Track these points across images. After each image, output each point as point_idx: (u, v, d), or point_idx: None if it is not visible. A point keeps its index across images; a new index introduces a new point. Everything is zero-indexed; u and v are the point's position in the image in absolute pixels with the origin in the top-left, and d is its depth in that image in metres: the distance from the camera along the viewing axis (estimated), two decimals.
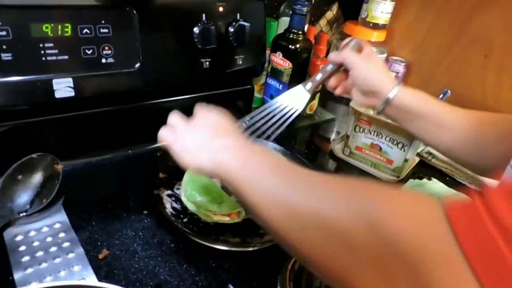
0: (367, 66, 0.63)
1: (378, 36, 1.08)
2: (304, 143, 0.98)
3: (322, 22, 1.18)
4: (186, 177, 0.68)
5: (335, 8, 1.18)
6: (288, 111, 0.67)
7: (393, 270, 0.27)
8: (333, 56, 0.66)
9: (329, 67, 0.67)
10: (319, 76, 0.68)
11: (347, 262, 0.29)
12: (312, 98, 0.99)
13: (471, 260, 0.24)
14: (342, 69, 0.67)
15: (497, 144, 0.56)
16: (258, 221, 0.39)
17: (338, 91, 0.69)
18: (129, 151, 0.78)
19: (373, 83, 0.63)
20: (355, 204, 0.31)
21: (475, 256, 0.24)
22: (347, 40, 0.68)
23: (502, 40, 0.93)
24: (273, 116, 0.66)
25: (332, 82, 0.68)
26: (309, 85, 0.68)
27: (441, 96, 0.80)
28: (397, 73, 1.10)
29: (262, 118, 0.66)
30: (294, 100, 0.68)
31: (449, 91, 0.81)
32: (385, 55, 1.11)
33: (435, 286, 0.25)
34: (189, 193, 0.65)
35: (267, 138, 0.66)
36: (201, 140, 0.48)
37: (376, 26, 1.07)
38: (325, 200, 0.33)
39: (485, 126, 0.59)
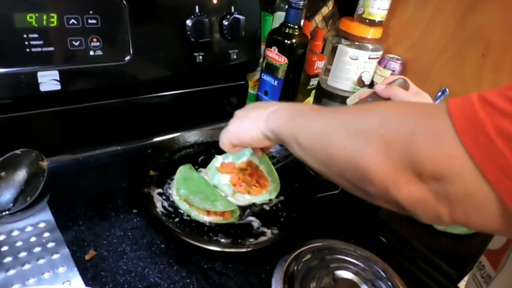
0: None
1: (374, 33, 1.06)
2: None
3: (318, 18, 1.16)
4: (178, 175, 0.66)
5: (330, 4, 1.17)
6: None
7: (394, 150, 0.33)
8: (380, 89, 0.64)
9: (370, 100, 0.65)
10: None
11: (361, 150, 0.36)
12: (307, 95, 0.98)
13: (457, 128, 0.29)
14: None
15: None
16: (304, 154, 0.46)
17: None
18: (118, 148, 0.75)
19: None
20: (375, 111, 0.39)
21: (462, 124, 0.29)
22: (391, 78, 0.67)
23: (500, 39, 0.92)
24: None
25: None
26: None
27: (439, 94, 0.78)
28: (393, 71, 1.09)
29: None
30: None
31: (447, 90, 0.79)
32: (381, 53, 1.10)
33: (422, 152, 0.31)
34: (181, 192, 0.62)
35: None
36: (251, 116, 0.56)
37: (372, 23, 1.05)
38: (355, 116, 0.41)
39: None
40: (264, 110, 0.55)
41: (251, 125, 0.55)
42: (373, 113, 0.39)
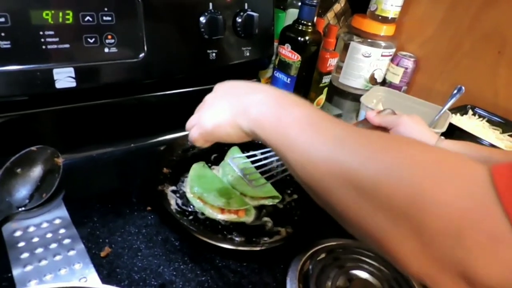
0: (409, 121, 0.63)
1: (387, 30, 1.05)
2: None
3: (330, 15, 1.15)
4: (191, 173, 0.66)
5: (343, 0, 1.15)
6: None
7: (434, 242, 0.26)
8: (371, 117, 0.66)
9: (360, 126, 0.66)
10: None
11: (380, 219, 0.29)
12: (319, 93, 0.97)
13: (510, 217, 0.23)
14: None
15: None
16: (296, 178, 0.37)
17: None
18: (131, 145, 0.75)
19: (416, 137, 0.62)
20: (398, 163, 0.30)
21: None
22: (377, 110, 0.69)
23: None
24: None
25: None
26: None
27: (455, 92, 0.77)
28: (406, 68, 1.08)
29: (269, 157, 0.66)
30: None
31: (463, 88, 0.78)
32: (393, 50, 1.08)
33: (476, 259, 0.25)
34: (195, 190, 0.62)
35: None
36: (230, 102, 0.44)
37: (385, 20, 1.04)
38: (369, 162, 0.31)
39: None
40: (242, 98, 0.43)
41: (227, 119, 0.44)
42: (395, 165, 0.29)
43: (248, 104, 0.42)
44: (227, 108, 0.44)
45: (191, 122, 0.50)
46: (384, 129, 0.65)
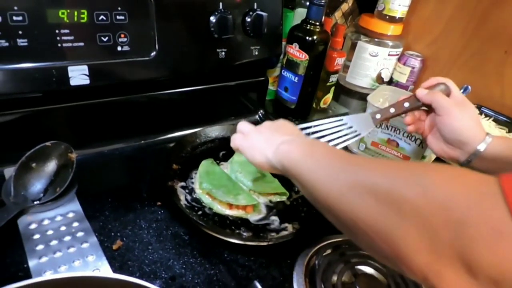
0: (461, 115, 0.58)
1: (394, 29, 1.05)
2: None
3: (337, 14, 1.15)
4: (200, 169, 0.68)
5: (350, 0, 1.16)
6: (349, 132, 0.63)
7: (438, 234, 0.28)
8: (421, 95, 0.61)
9: (407, 104, 0.62)
10: (392, 110, 0.63)
11: (394, 224, 0.31)
12: (327, 92, 0.98)
13: None
14: (422, 107, 0.63)
15: None
16: (316, 203, 0.42)
17: (411, 129, 0.65)
18: (142, 142, 0.77)
19: (464, 133, 0.58)
20: (410, 173, 0.33)
21: None
22: (432, 81, 0.64)
23: None
24: (333, 132, 0.63)
25: (408, 119, 0.64)
26: (378, 116, 0.63)
27: (461, 91, 0.77)
28: (413, 68, 1.08)
29: (322, 130, 0.63)
30: (358, 124, 0.64)
31: (469, 87, 0.79)
32: (400, 50, 1.09)
33: (479, 248, 0.26)
34: (204, 186, 0.64)
35: None
36: (266, 137, 0.53)
37: (392, 19, 1.04)
38: (384, 176, 0.35)
39: None
40: (278, 137, 0.51)
41: (260, 148, 0.52)
42: (408, 174, 0.33)
43: (280, 141, 0.50)
44: (265, 138, 0.53)
45: (242, 129, 0.57)
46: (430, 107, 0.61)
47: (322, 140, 0.62)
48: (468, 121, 0.59)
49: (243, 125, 0.58)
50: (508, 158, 0.56)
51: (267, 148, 0.51)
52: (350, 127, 0.63)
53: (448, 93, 0.61)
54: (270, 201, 0.67)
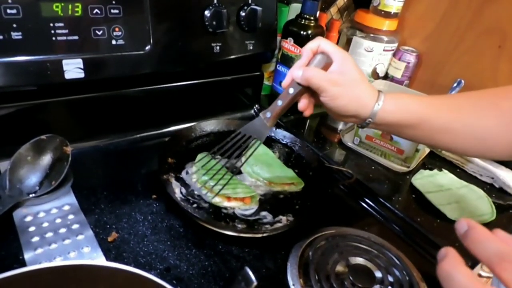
0: (339, 91, 0.53)
1: (389, 25, 1.06)
2: (313, 132, 0.97)
3: (333, 10, 1.16)
4: (198, 164, 0.68)
5: None
6: (249, 142, 0.60)
7: None
8: (296, 76, 0.55)
9: (291, 91, 0.56)
10: (279, 103, 0.58)
11: None
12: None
13: None
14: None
15: (501, 133, 0.52)
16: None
17: (307, 113, 0.58)
18: (137, 136, 0.77)
19: (348, 108, 0.54)
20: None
21: None
22: (307, 53, 0.57)
23: None
24: (237, 147, 0.60)
25: (301, 105, 0.58)
26: (268, 115, 0.59)
27: (454, 85, 0.78)
28: (408, 63, 1.09)
29: (229, 147, 0.60)
30: (254, 131, 0.60)
31: (462, 81, 0.80)
32: (396, 45, 1.09)
33: None
34: (202, 180, 0.64)
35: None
36: None
37: (387, 15, 1.05)
38: None
39: (482, 117, 0.53)
40: None
41: None
42: None
43: None
44: None
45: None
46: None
47: (225, 158, 0.61)
48: (350, 93, 0.54)
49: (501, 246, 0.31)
50: (400, 123, 0.55)
51: None
52: (249, 137, 0.60)
53: (329, 62, 0.55)
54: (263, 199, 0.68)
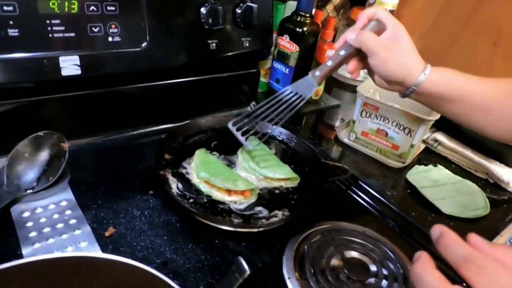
0: (389, 56, 0.56)
1: None
2: (310, 128, 0.98)
3: (329, 7, 1.16)
4: (196, 159, 0.69)
5: None
6: (296, 99, 0.65)
7: None
8: (350, 38, 0.58)
9: (342, 52, 0.59)
10: (329, 63, 0.62)
11: None
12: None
13: None
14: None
15: None
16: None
17: (355, 75, 0.62)
18: (134, 132, 0.78)
19: (396, 74, 0.57)
20: None
21: None
22: (363, 18, 0.59)
23: None
24: (281, 104, 0.65)
25: (350, 67, 0.61)
26: (317, 74, 0.63)
27: None
28: None
29: (272, 105, 0.65)
30: (301, 89, 0.65)
31: None
32: None
33: None
34: (202, 175, 0.65)
35: (276, 124, 0.66)
36: None
37: None
38: None
39: None
40: None
41: None
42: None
43: None
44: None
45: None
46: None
47: (272, 114, 0.64)
48: (398, 60, 0.56)
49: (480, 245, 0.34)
50: (442, 96, 0.57)
51: None
52: (296, 94, 0.65)
53: (382, 29, 0.57)
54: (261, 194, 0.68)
